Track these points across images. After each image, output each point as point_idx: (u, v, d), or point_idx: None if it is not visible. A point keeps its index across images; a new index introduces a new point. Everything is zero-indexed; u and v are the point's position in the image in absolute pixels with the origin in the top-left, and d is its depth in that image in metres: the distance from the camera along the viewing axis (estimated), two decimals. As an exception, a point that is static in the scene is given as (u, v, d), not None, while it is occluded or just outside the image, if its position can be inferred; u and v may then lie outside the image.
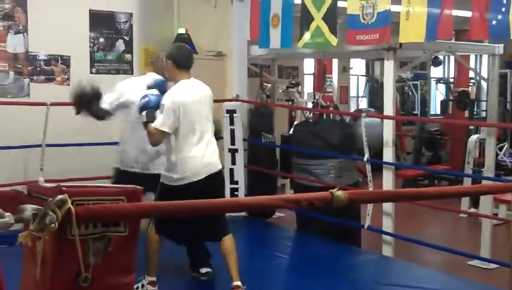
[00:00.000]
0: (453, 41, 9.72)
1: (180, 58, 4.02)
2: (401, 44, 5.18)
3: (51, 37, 5.79)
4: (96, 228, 1.79)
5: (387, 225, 5.37)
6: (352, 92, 13.58)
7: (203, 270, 4.43)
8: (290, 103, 9.52)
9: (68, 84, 5.86)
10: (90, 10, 5.98)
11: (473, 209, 7.48)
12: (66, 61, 5.85)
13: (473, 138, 8.10)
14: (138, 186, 1.81)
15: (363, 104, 13.60)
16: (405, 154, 11.79)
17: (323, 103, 8.06)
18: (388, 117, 5.41)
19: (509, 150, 10.88)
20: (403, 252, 5.62)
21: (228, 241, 3.99)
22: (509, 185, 2.39)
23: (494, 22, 4.48)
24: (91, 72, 6.02)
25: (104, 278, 1.83)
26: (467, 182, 7.83)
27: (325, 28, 5.57)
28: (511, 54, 14.72)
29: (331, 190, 1.71)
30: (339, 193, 1.67)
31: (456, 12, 5.14)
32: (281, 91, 9.23)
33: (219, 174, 4.08)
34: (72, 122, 5.68)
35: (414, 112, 13.72)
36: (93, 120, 4.43)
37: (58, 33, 5.81)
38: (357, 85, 13.88)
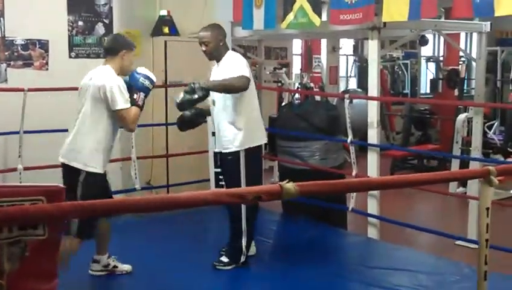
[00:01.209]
0: (442, 19, 9.68)
1: None
2: (385, 23, 5.09)
3: (28, 21, 5.65)
4: (12, 231, 1.65)
5: (372, 206, 5.33)
6: (342, 72, 13.48)
7: None
8: (279, 84, 9.42)
9: (47, 69, 5.74)
10: (68, -7, 5.84)
11: (461, 189, 7.44)
12: (44, 45, 5.72)
13: (461, 116, 8.03)
14: (60, 185, 1.70)
15: (353, 84, 13.52)
16: (394, 134, 11.74)
17: (308, 84, 7.96)
18: (372, 98, 5.33)
19: (499, 128, 10.85)
20: (390, 233, 5.58)
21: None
22: (480, 171, 2.31)
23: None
24: (70, 57, 5.89)
25: (21, 285, 1.71)
26: (455, 162, 7.79)
27: (308, 8, 5.47)
28: (501, 32, 14.66)
29: (280, 183, 1.61)
30: (289, 186, 1.57)
31: (445, -10, 5.06)
32: (268, 72, 9.12)
33: (65, 167, 3.95)
34: (50, 108, 5.62)
35: (404, 91, 13.66)
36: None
37: (35, 17, 5.67)
38: (347, 65, 13.78)
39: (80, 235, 3.85)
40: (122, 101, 3.81)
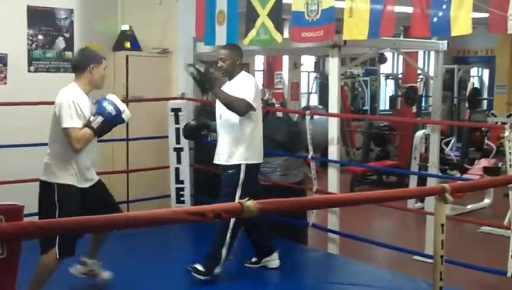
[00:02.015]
0: (401, 38, 9.89)
1: None
2: (345, 41, 5.17)
3: (-14, 35, 5.58)
4: None
5: (333, 222, 5.38)
6: (303, 88, 13.61)
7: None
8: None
9: (5, 83, 5.65)
10: (28, 6, 5.76)
11: (419, 204, 7.57)
12: (2, 59, 5.62)
13: (419, 133, 8.21)
14: (19, 204, 1.67)
15: (314, 100, 13.66)
16: (355, 150, 11.89)
17: (270, 100, 8.01)
18: (332, 115, 5.39)
19: (455, 144, 11.09)
20: (349, 248, 5.64)
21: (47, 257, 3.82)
22: (435, 188, 2.37)
23: (435, 19, 4.51)
24: (29, 71, 5.81)
25: (-20, 305, 1.67)
26: (413, 179, 7.93)
27: (270, 24, 5.53)
28: (458, 50, 15.06)
29: (240, 200, 1.62)
30: (249, 203, 1.58)
31: (403, 9, 5.17)
32: (229, 88, 9.14)
33: (41, 185, 3.90)
34: (7, 123, 5.52)
35: (364, 108, 13.87)
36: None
37: (-6, 30, 5.60)
38: (308, 81, 13.93)
39: (60, 253, 3.77)
40: (67, 119, 3.72)
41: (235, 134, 4.45)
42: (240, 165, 4.44)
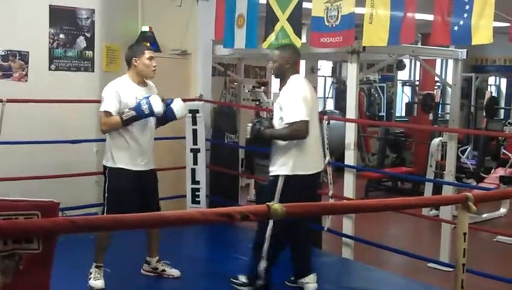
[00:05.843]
0: (418, 45, 9.87)
1: None
2: (364, 47, 5.17)
3: (9, 32, 5.65)
4: (7, 245, 1.67)
5: (348, 227, 5.38)
6: (320, 93, 13.60)
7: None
8: (257, 102, 9.46)
9: (26, 81, 5.72)
10: (50, 5, 5.84)
11: (434, 212, 7.54)
12: (24, 57, 5.70)
13: (436, 141, 8.17)
14: (55, 200, 1.72)
15: (330, 105, 13.64)
16: (370, 156, 11.87)
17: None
18: (350, 120, 5.40)
19: (472, 153, 11.03)
20: (363, 254, 5.63)
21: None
22: (458, 197, 2.37)
23: (456, 28, 4.50)
24: (50, 69, 5.88)
25: (15, 299, 1.71)
26: (429, 186, 7.90)
27: (289, 29, 5.55)
28: (476, 58, 14.97)
29: (267, 203, 1.64)
30: (276, 206, 1.60)
31: (422, 16, 5.16)
32: (247, 91, 9.17)
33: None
34: (28, 120, 5.60)
35: (380, 114, 13.82)
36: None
37: (16, 28, 5.67)
38: (324, 86, 13.92)
39: None
40: (103, 104, 4.17)
41: (280, 143, 4.20)
42: (278, 176, 4.18)
